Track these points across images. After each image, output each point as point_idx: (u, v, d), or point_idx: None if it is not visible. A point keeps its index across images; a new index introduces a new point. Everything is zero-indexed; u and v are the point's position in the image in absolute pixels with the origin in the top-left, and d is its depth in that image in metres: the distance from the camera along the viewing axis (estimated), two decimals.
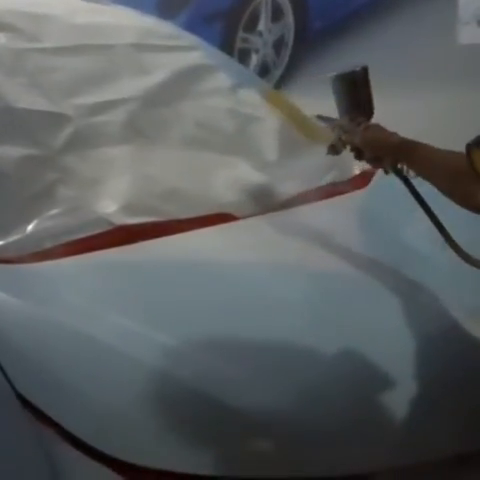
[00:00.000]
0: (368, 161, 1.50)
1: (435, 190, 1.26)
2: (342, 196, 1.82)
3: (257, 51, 4.09)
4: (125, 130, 1.79)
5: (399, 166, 1.41)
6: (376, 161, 1.47)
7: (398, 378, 1.19)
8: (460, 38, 3.36)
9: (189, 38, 2.31)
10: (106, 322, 1.25)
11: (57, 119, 1.72)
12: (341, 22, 3.85)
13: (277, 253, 1.51)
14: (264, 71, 4.03)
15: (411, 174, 1.39)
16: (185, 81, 2.03)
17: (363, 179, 1.89)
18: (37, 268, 1.39)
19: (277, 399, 1.13)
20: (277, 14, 4.03)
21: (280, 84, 3.95)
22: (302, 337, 1.24)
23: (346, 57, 3.48)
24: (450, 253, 1.35)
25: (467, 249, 1.34)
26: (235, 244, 1.55)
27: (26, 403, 1.18)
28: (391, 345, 1.24)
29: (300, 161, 1.91)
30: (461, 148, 1.14)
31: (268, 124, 2.02)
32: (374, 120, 1.52)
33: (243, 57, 3.97)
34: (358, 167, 1.92)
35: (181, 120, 1.90)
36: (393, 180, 1.45)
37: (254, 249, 1.51)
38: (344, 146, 1.55)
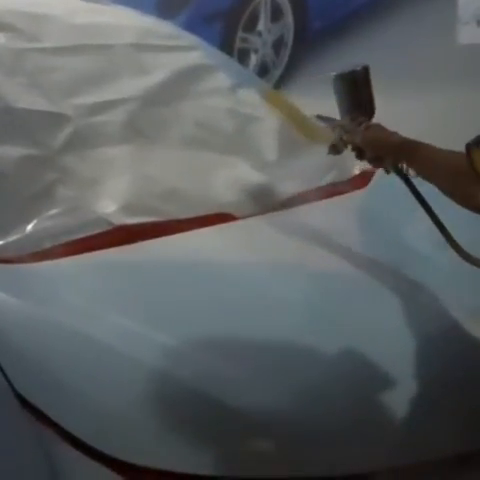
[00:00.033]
0: (369, 161, 1.49)
1: (436, 190, 1.26)
2: (342, 196, 1.82)
3: (256, 51, 4.08)
4: (125, 130, 1.79)
5: (400, 166, 1.41)
6: (377, 161, 1.47)
7: (398, 378, 1.19)
8: (460, 38, 3.36)
9: (189, 38, 2.30)
10: (106, 322, 1.25)
11: (57, 119, 1.72)
12: (341, 22, 3.84)
13: (277, 253, 1.51)
14: (263, 71, 4.03)
15: (412, 174, 1.39)
16: (185, 81, 2.03)
17: (363, 179, 1.89)
18: (37, 268, 1.39)
19: (277, 399, 1.13)
20: (276, 14, 4.03)
21: (280, 84, 3.95)
22: (302, 337, 1.24)
23: (346, 57, 3.48)
24: (450, 253, 1.35)
25: (468, 249, 1.34)
26: (235, 244, 1.55)
27: (25, 403, 1.18)
28: (391, 345, 1.24)
29: (300, 161, 1.91)
30: (461, 148, 1.13)
31: (268, 124, 2.02)
32: (374, 120, 1.52)
33: (242, 57, 3.97)
34: (358, 167, 1.92)
35: (181, 120, 1.90)
36: (393, 180, 1.45)
37: (254, 249, 1.51)
38: (345, 146, 1.55)
